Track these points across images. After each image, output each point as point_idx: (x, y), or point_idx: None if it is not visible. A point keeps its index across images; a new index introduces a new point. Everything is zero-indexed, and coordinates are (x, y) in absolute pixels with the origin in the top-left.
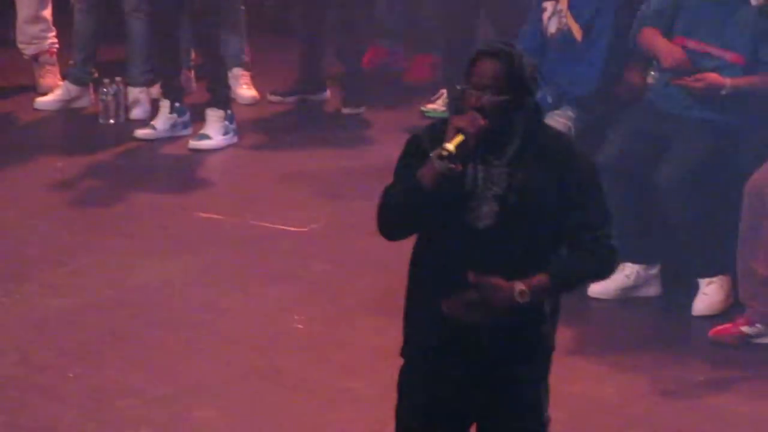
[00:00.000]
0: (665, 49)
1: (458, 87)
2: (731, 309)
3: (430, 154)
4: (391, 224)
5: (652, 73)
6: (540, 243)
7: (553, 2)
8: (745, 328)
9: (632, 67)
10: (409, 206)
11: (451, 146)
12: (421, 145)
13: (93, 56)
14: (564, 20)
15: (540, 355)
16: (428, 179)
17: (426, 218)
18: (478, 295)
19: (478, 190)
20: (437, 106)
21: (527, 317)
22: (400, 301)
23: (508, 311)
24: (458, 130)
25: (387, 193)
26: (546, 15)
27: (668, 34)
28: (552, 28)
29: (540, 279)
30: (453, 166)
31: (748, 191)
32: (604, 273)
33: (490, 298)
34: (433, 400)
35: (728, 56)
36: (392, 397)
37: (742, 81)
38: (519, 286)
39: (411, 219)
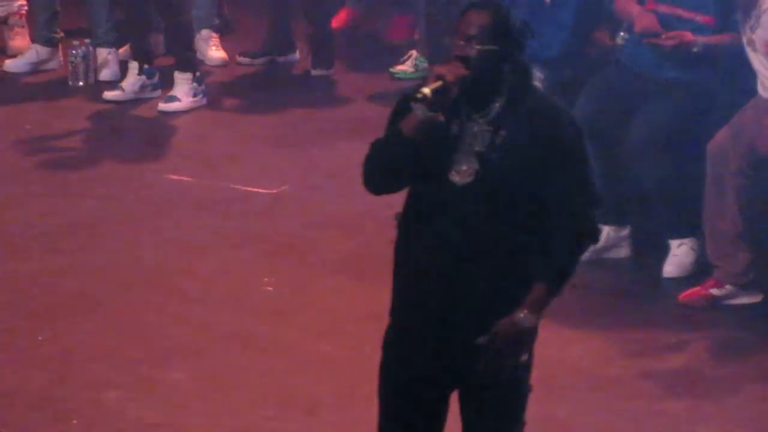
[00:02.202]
0: (638, 13)
1: (447, 38)
2: (701, 270)
3: (412, 103)
4: (374, 175)
5: (621, 33)
6: (520, 204)
7: None
8: (714, 290)
9: (602, 27)
10: (391, 156)
11: (426, 90)
12: (409, 102)
13: (56, 16)
14: None
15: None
16: (409, 127)
17: (407, 170)
18: (494, 354)
19: (460, 146)
20: (406, 67)
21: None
22: (370, 264)
23: (522, 337)
24: (438, 77)
25: (372, 146)
26: None
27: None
28: None
29: (535, 293)
30: (432, 114)
31: (711, 151)
32: (586, 244)
33: (504, 346)
34: (414, 360)
35: (699, 18)
36: (361, 358)
37: (714, 39)
38: (517, 314)
39: (392, 169)
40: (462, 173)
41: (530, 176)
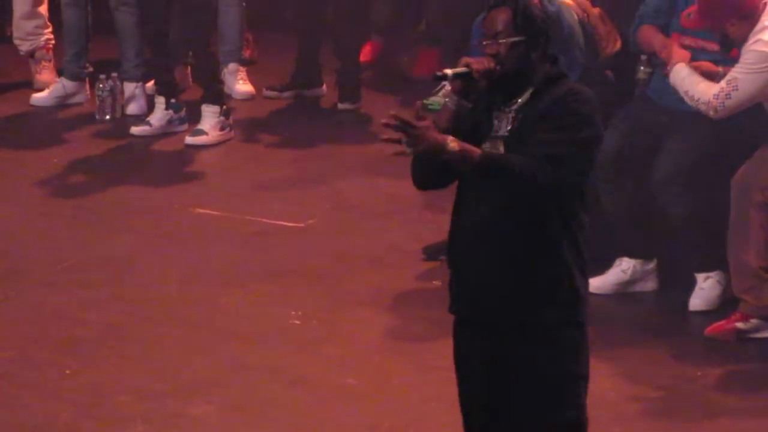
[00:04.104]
0: (661, 43)
1: (483, 42)
2: (727, 304)
3: (444, 100)
4: (417, 171)
5: (642, 68)
6: None
7: None
8: (739, 324)
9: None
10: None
11: (448, 70)
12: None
13: (85, 51)
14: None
15: (559, 299)
16: (442, 119)
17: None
18: (418, 128)
19: (490, 133)
20: (439, 98)
21: (529, 255)
22: (396, 297)
23: (430, 156)
24: (464, 65)
25: None
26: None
27: (665, 31)
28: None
29: (474, 147)
30: (461, 101)
31: (735, 184)
32: (526, 179)
33: (426, 134)
34: (470, 351)
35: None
36: (387, 392)
37: None
38: (453, 141)
39: (432, 163)
40: None
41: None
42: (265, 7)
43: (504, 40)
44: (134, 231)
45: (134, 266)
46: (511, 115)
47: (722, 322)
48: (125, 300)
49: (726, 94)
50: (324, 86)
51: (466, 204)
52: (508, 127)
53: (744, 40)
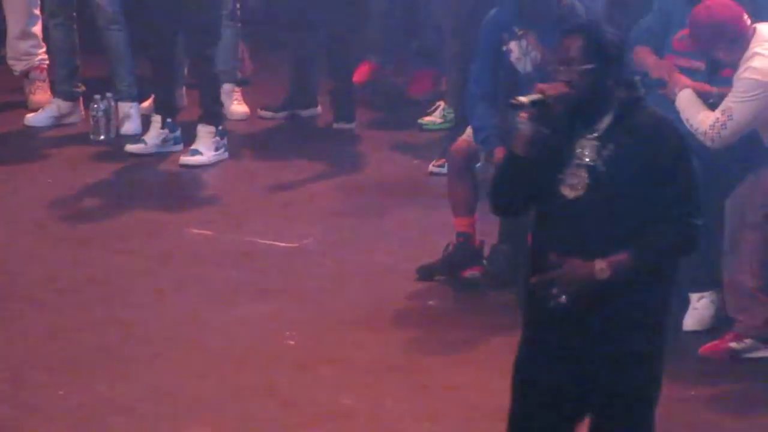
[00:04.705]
0: (654, 64)
1: (552, 68)
2: (721, 324)
3: (517, 120)
4: (496, 197)
5: None
6: (628, 214)
7: (517, 42)
8: (733, 344)
9: None
10: (507, 175)
11: (524, 98)
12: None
13: (76, 70)
14: (538, 56)
15: (644, 327)
16: (519, 146)
17: (524, 187)
18: (560, 274)
19: (572, 161)
20: (434, 118)
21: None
22: (391, 317)
23: (588, 292)
24: (539, 91)
25: (495, 171)
26: (514, 56)
27: (659, 52)
28: (527, 66)
29: (621, 256)
30: (537, 127)
31: (729, 204)
32: (684, 248)
33: (572, 275)
34: (538, 380)
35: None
36: (381, 412)
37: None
38: (599, 263)
39: (510, 189)
40: (573, 187)
41: (636, 187)
42: (261, 27)
43: (577, 68)
44: (128, 251)
45: (128, 286)
46: (594, 143)
47: (716, 342)
48: (119, 320)
49: (722, 125)
50: (319, 106)
51: (552, 243)
52: (594, 155)
53: (735, 63)
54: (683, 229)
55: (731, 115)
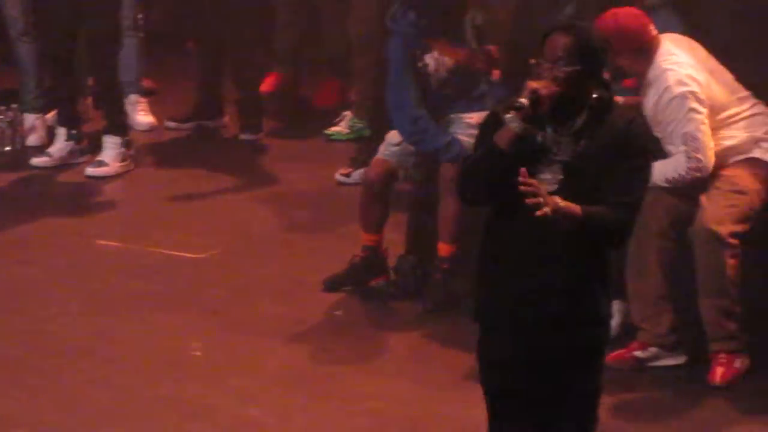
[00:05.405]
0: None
1: (532, 61)
2: (627, 333)
3: (505, 116)
4: (471, 188)
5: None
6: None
7: (431, 54)
8: (638, 353)
9: None
10: (488, 169)
11: (524, 100)
12: (499, 118)
13: None
14: (451, 61)
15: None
16: (505, 141)
17: (502, 181)
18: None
19: (545, 157)
20: (341, 128)
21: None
22: (299, 327)
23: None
24: (533, 91)
25: (466, 161)
26: (431, 68)
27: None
28: (442, 73)
29: (574, 206)
30: (528, 126)
31: None
32: (616, 234)
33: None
34: (508, 361)
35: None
36: (289, 423)
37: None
38: (559, 198)
39: (488, 182)
40: (547, 182)
41: (603, 182)
42: (168, 34)
43: (564, 68)
44: (34, 262)
45: (33, 298)
46: (569, 139)
47: (622, 351)
48: (25, 331)
49: (694, 149)
50: (226, 117)
51: (520, 235)
52: (569, 152)
53: (638, 73)
54: (621, 216)
55: (692, 136)
